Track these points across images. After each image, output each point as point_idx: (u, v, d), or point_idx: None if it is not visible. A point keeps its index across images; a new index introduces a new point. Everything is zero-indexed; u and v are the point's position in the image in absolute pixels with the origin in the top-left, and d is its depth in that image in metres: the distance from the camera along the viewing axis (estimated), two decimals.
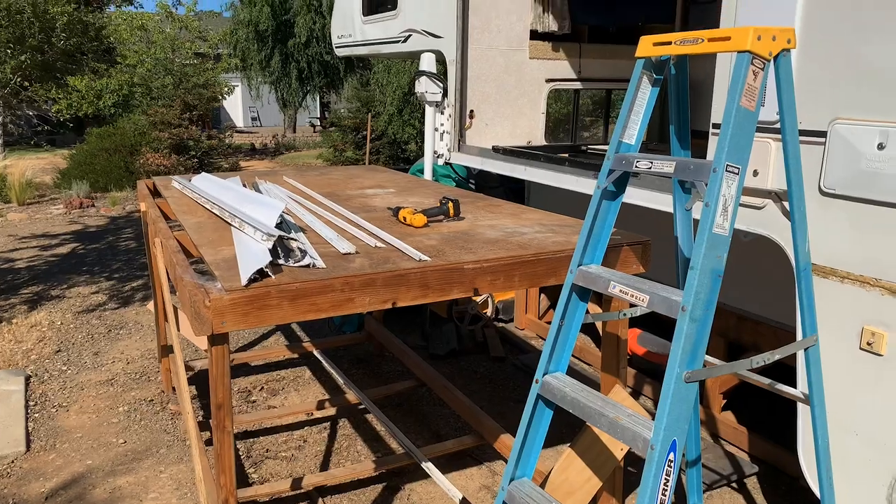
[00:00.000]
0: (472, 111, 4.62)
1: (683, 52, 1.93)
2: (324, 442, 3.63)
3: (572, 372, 2.16)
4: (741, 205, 2.24)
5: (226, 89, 16.36)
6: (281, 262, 2.11)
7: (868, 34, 2.09)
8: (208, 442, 3.36)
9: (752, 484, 3.27)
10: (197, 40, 17.59)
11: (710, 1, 4.22)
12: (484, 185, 5.84)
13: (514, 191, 5.58)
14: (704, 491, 3.14)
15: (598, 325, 4.15)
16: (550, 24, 4.75)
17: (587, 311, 2.12)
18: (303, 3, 19.15)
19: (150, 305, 5.54)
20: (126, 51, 16.62)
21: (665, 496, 1.66)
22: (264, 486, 3.07)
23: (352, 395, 3.90)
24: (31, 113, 18.06)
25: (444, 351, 4.73)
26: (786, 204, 2.02)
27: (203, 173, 3.71)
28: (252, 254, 2.12)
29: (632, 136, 2.07)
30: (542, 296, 5.17)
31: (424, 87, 4.72)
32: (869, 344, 2.16)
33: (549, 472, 2.38)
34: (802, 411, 2.36)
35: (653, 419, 1.71)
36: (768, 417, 3.69)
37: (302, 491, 3.05)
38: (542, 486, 2.27)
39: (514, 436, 2.11)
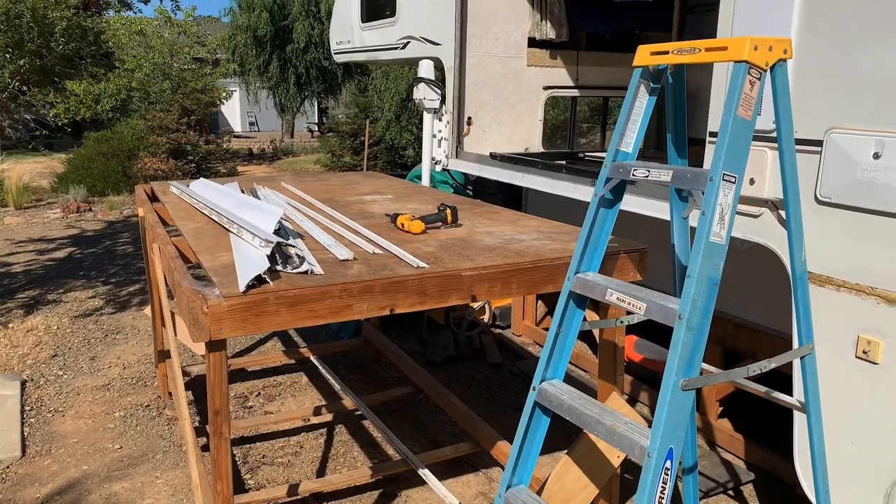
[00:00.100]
0: (469, 118, 4.64)
1: (681, 62, 1.95)
2: (320, 448, 3.62)
3: (569, 378, 2.17)
4: (738, 213, 2.25)
5: (224, 94, 16.37)
6: (279, 268, 2.12)
7: (864, 45, 2.11)
8: (205, 447, 3.35)
9: (749, 491, 3.27)
10: (195, 45, 17.60)
11: (707, 10, 4.24)
12: (482, 191, 5.85)
13: (512, 197, 5.59)
14: (701, 498, 3.14)
15: (595, 332, 4.15)
16: (548, 31, 4.77)
17: (584, 319, 2.13)
18: (301, 8, 19.22)
19: (147, 310, 5.53)
20: (124, 55, 16.62)
21: None
22: (260, 492, 3.07)
23: (349, 402, 3.90)
24: (28, 117, 18.04)
25: (441, 357, 4.73)
26: (782, 212, 2.03)
27: (201, 178, 3.71)
28: (250, 260, 2.12)
29: (629, 144, 2.08)
30: (539, 302, 5.17)
31: (423, 93, 4.74)
32: (865, 352, 2.17)
33: (546, 480, 2.39)
34: (799, 419, 2.37)
35: (649, 426, 1.72)
36: (765, 425, 3.69)
37: (298, 497, 3.04)
38: (539, 493, 2.27)
39: (511, 442, 2.11)
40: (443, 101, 4.69)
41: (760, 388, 2.23)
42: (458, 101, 4.59)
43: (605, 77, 5.18)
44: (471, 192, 5.94)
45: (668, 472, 1.66)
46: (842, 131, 2.17)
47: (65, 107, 15.63)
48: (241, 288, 1.92)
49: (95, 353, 4.86)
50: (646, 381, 4.13)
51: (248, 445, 3.62)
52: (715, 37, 2.45)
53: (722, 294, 1.77)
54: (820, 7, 2.22)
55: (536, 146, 4.94)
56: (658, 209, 2.95)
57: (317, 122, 27.76)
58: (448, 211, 2.84)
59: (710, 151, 2.59)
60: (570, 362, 2.50)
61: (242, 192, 3.47)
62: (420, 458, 3.25)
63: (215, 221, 2.79)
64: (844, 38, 2.16)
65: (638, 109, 2.07)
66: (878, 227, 2.10)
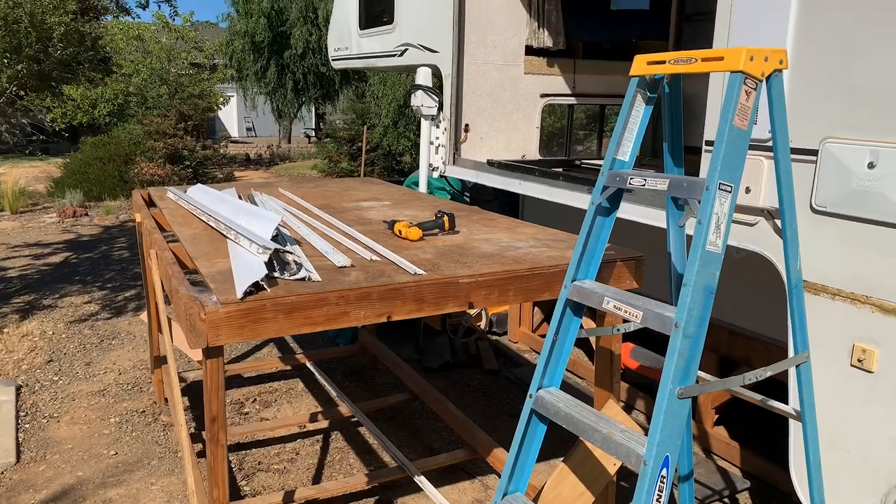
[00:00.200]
0: (467, 125, 4.65)
1: (677, 72, 1.96)
2: (316, 455, 3.62)
3: (565, 386, 2.17)
4: (734, 222, 2.26)
5: (221, 100, 16.40)
6: (276, 274, 2.12)
7: (859, 55, 2.12)
8: (200, 454, 3.35)
9: (744, 499, 3.28)
10: (193, 51, 17.65)
11: (703, 19, 4.27)
12: (479, 198, 5.86)
13: (509, 204, 5.60)
14: None
15: (592, 339, 4.16)
16: (545, 39, 4.80)
17: (581, 326, 2.13)
18: (299, 14, 19.25)
19: (144, 316, 5.52)
20: (122, 60, 16.65)
21: None
22: (256, 498, 3.06)
23: (345, 408, 3.89)
24: (25, 121, 18.03)
25: (437, 364, 4.73)
26: (778, 221, 2.04)
27: (198, 184, 3.71)
28: (248, 266, 2.12)
29: (626, 153, 2.09)
30: (536, 309, 5.18)
31: (420, 100, 4.75)
32: (860, 360, 2.18)
33: (543, 487, 2.39)
34: (794, 427, 2.37)
35: (646, 434, 1.72)
36: (760, 433, 3.70)
37: None
38: (535, 500, 2.27)
39: (507, 450, 2.11)
40: (440, 109, 4.71)
41: (756, 397, 2.23)
42: (455, 109, 4.60)
43: (602, 85, 5.21)
44: (468, 199, 5.95)
45: (664, 480, 1.67)
46: (837, 141, 2.18)
47: (62, 111, 15.63)
48: (239, 294, 1.92)
49: (91, 359, 4.85)
50: (642, 388, 4.14)
51: (243, 452, 3.61)
52: (711, 46, 2.47)
53: (718, 302, 1.78)
54: (815, 17, 2.24)
55: (533, 153, 4.96)
56: (654, 217, 2.96)
57: (314, 127, 27.80)
58: (445, 218, 2.85)
59: (706, 160, 2.60)
60: (566, 369, 2.50)
61: (240, 197, 3.47)
62: (416, 465, 3.25)
63: (213, 227, 2.79)
64: (840, 48, 2.17)
65: (634, 118, 2.08)
66: (873, 237, 2.11)
